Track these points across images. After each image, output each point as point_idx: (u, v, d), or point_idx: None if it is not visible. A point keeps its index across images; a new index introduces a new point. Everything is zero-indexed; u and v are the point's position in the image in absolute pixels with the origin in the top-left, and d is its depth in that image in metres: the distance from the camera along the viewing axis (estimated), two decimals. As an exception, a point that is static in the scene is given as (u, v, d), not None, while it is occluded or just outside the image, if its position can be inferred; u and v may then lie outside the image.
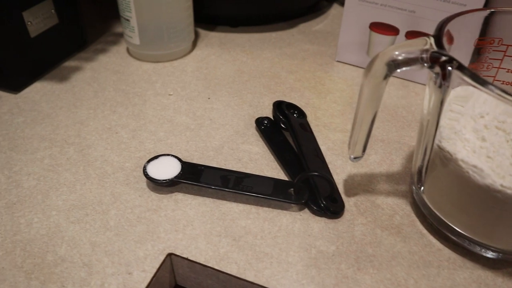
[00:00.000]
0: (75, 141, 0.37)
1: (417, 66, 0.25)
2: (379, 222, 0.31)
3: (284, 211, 0.31)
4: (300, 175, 0.31)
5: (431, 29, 0.42)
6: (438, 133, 0.27)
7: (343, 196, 0.32)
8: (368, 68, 0.26)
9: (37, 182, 0.33)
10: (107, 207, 0.31)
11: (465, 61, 0.31)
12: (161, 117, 0.40)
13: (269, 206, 0.32)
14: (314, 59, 0.49)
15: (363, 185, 0.34)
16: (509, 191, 0.24)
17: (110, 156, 0.36)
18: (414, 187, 0.32)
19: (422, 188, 0.30)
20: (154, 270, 0.27)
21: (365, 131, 0.28)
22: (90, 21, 0.56)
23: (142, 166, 0.34)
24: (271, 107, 0.41)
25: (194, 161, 0.35)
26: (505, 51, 0.30)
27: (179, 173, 0.32)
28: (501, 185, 0.24)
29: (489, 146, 0.25)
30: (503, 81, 0.32)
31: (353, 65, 0.48)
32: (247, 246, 0.29)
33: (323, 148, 0.36)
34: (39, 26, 0.43)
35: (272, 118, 0.39)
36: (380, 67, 0.25)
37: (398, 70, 0.25)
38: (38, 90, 0.43)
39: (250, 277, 0.27)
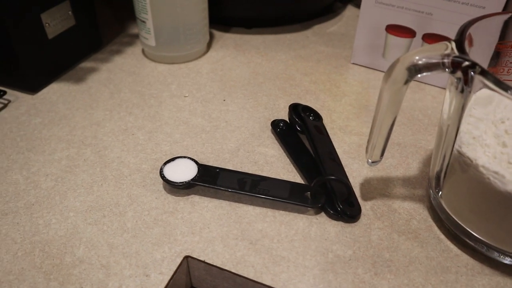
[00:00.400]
0: (92, 142, 0.37)
1: (438, 71, 0.25)
2: (396, 227, 0.31)
3: (301, 215, 0.31)
4: (318, 179, 0.31)
5: (448, 32, 0.42)
6: (458, 138, 0.27)
7: (359, 200, 0.32)
8: (389, 73, 0.26)
9: (55, 183, 0.34)
10: (124, 209, 0.32)
11: (484, 65, 0.31)
12: (177, 119, 0.40)
13: (285, 209, 0.32)
14: (329, 61, 0.49)
15: (380, 189, 0.33)
16: (530, 198, 0.24)
17: (126, 158, 0.36)
18: (431, 192, 0.31)
19: (440, 193, 0.30)
20: (171, 273, 0.28)
21: (384, 135, 0.28)
22: (105, 23, 0.56)
23: (158, 168, 0.34)
24: (286, 109, 0.41)
25: (210, 164, 0.35)
26: (525, 56, 0.30)
27: (196, 175, 0.32)
28: (523, 192, 0.24)
29: (510, 152, 0.25)
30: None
31: (369, 68, 0.48)
32: (263, 249, 0.29)
33: (338, 151, 0.36)
34: (56, 28, 0.43)
35: (287, 120, 0.39)
36: (401, 72, 0.25)
37: (419, 75, 0.25)
38: (55, 91, 0.44)
39: (267, 281, 0.27)
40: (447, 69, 0.25)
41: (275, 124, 0.38)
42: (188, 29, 0.46)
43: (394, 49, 0.45)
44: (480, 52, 0.30)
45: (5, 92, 0.42)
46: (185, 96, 0.43)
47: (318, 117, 0.38)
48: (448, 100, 0.27)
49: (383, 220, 0.31)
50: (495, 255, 0.28)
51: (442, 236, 0.30)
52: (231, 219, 0.31)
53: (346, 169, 0.35)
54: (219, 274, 0.28)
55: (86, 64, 0.48)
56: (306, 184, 0.33)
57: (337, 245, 0.29)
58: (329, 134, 0.38)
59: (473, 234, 0.28)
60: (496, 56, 0.31)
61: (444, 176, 0.29)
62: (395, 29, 0.44)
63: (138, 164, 0.35)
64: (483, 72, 0.23)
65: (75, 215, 0.31)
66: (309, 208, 0.31)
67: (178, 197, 0.32)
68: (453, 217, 0.29)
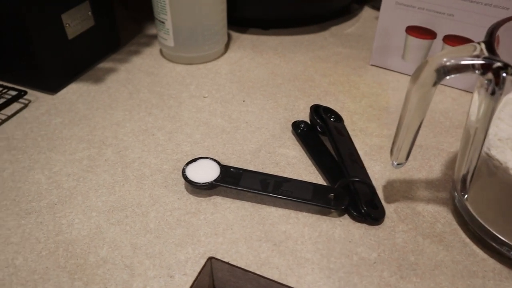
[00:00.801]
0: (112, 142, 0.37)
1: (468, 73, 0.24)
2: (420, 230, 0.30)
3: (324, 217, 0.31)
4: (342, 180, 0.31)
5: (470, 33, 0.41)
6: (486, 140, 0.26)
7: (383, 202, 0.32)
8: (416, 75, 0.26)
9: (77, 183, 0.34)
10: (146, 209, 0.32)
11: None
12: (197, 120, 0.40)
13: (308, 211, 0.31)
14: (347, 63, 0.49)
15: (403, 191, 0.33)
16: (563, 202, 0.24)
17: (147, 158, 0.36)
18: (456, 195, 0.31)
19: (466, 196, 0.30)
20: (195, 274, 0.27)
21: (410, 138, 0.28)
22: (122, 23, 0.56)
23: (180, 169, 0.34)
24: (306, 110, 0.41)
25: (231, 164, 0.35)
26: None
27: (219, 176, 0.32)
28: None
29: (541, 155, 0.25)
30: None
31: (388, 69, 0.47)
32: (288, 251, 0.29)
33: (360, 153, 0.36)
34: (76, 28, 0.43)
35: (308, 121, 0.38)
36: (429, 74, 0.25)
37: (447, 77, 0.25)
38: (74, 91, 0.44)
39: (292, 283, 0.27)
40: (477, 71, 0.24)
41: (296, 125, 0.38)
42: (207, 29, 0.46)
43: (414, 51, 0.45)
44: (505, 53, 0.29)
45: (25, 92, 0.42)
46: (204, 97, 0.43)
47: (339, 118, 0.38)
48: (477, 102, 0.26)
49: (407, 222, 0.31)
50: (523, 259, 0.28)
51: (468, 240, 0.30)
52: (254, 220, 0.31)
53: (368, 171, 0.34)
54: (243, 275, 0.28)
55: (104, 65, 0.48)
56: (329, 185, 0.33)
57: (362, 248, 0.29)
58: (350, 135, 0.37)
59: (499, 238, 0.28)
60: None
61: (471, 179, 0.29)
62: (415, 31, 0.44)
63: (159, 164, 0.35)
64: (517, 74, 0.22)
65: (98, 215, 0.31)
66: (332, 210, 0.31)
67: (200, 198, 0.32)
68: (479, 220, 0.29)
